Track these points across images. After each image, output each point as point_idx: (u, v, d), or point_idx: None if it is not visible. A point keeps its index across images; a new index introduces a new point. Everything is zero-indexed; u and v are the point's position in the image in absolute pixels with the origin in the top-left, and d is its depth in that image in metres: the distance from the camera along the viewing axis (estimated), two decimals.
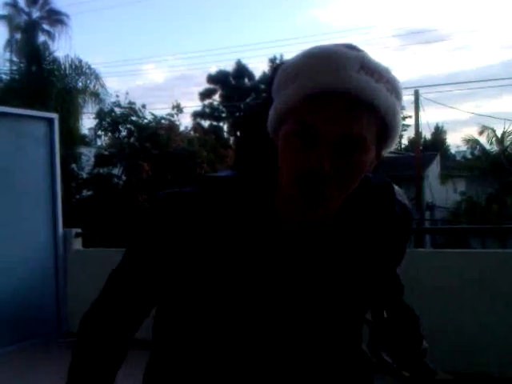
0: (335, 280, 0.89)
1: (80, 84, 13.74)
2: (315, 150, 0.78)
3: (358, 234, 0.91)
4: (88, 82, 13.73)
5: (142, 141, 13.20)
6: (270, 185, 0.89)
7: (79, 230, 5.65)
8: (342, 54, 0.80)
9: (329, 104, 0.77)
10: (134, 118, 14.13)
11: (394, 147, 0.89)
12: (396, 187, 0.98)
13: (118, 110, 14.25)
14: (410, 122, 27.71)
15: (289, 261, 0.88)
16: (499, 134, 20.51)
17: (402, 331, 0.93)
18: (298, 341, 0.89)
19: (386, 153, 0.88)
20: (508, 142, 20.55)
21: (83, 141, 16.07)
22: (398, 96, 0.83)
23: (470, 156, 23.79)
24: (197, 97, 24.02)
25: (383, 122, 0.81)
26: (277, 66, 0.89)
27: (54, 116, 5.45)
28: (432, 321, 3.67)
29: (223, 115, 30.83)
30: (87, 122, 24.08)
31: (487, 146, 20.89)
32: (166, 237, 0.89)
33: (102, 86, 13.93)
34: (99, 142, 17.56)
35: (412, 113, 20.71)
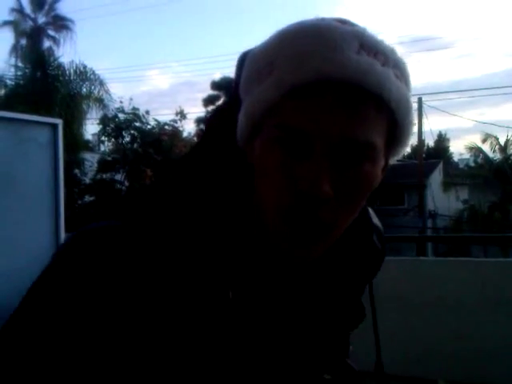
0: (315, 330, 0.69)
1: (84, 90, 13.85)
2: (307, 163, 0.56)
3: (340, 270, 0.71)
4: (92, 87, 13.84)
5: (146, 147, 13.26)
6: (240, 210, 0.65)
7: None
8: (334, 29, 0.58)
9: (320, 98, 0.56)
10: (137, 124, 14.21)
11: (402, 153, 0.69)
12: (369, 209, 0.78)
13: (121, 116, 14.35)
14: (413, 129, 27.77)
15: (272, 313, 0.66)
16: (502, 141, 20.59)
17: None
18: None
19: (393, 161, 0.68)
20: (511, 150, 20.57)
21: (87, 146, 16.17)
22: (409, 85, 0.62)
23: (472, 164, 23.78)
24: (200, 103, 23.95)
25: (393, 121, 0.60)
26: (243, 56, 0.65)
27: (58, 121, 5.46)
28: (433, 330, 3.66)
29: None
30: (91, 128, 24.23)
31: (490, 154, 20.94)
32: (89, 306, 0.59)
33: (106, 91, 14.05)
34: (102, 148, 17.66)
35: (415, 120, 20.70)
